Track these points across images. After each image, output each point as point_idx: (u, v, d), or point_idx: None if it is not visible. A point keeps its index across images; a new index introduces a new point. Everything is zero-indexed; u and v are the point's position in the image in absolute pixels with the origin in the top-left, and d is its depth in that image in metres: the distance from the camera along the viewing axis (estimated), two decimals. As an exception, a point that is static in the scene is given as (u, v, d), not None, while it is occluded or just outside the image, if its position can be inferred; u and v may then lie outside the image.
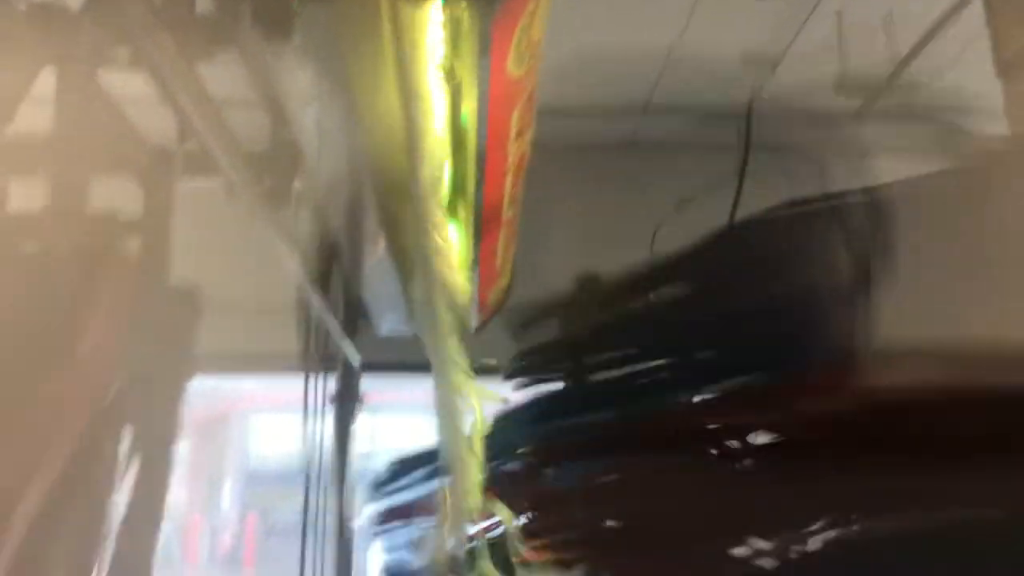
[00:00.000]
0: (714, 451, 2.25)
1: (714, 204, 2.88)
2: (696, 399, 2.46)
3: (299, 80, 2.16)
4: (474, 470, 2.18)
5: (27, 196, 1.78)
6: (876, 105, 2.74)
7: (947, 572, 1.84)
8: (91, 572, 1.82)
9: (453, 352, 2.15)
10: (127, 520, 1.99)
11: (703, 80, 3.10)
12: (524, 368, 3.17)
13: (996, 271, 1.78)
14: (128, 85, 1.97)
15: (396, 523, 3.96)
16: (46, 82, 1.79)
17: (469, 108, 2.08)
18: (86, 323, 1.73)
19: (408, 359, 2.53)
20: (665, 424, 2.45)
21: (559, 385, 3.15)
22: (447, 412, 2.12)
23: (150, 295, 2.09)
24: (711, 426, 2.29)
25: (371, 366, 4.47)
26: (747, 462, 2.17)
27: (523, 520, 2.64)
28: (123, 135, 2.09)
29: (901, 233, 1.90)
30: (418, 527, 3.68)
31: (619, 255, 2.74)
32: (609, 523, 2.44)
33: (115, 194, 1.94)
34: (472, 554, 2.49)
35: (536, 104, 2.22)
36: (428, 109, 1.92)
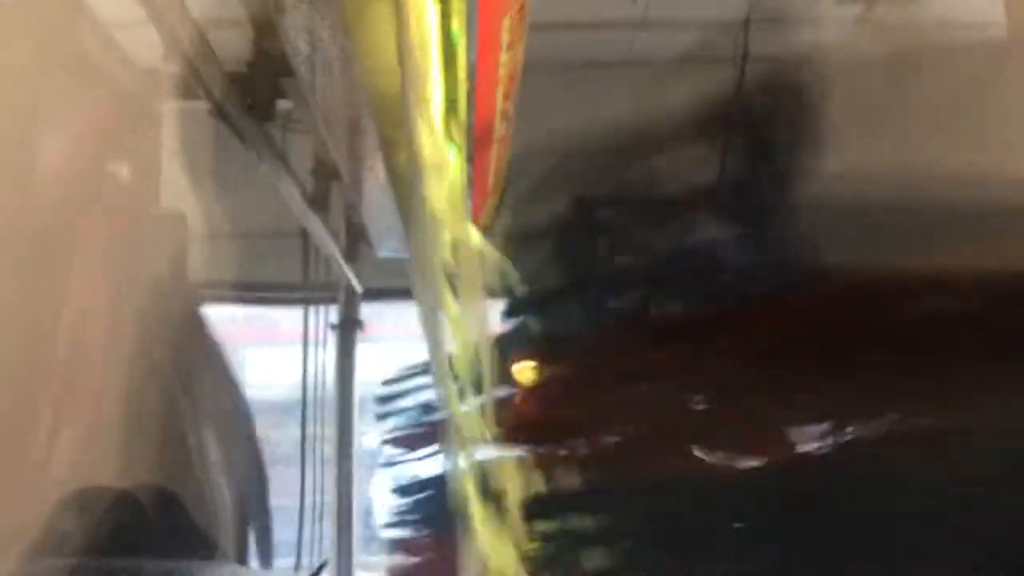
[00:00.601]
0: (705, 357, 2.26)
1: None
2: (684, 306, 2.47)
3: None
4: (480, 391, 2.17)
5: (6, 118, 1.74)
6: (876, 12, 2.69)
7: (941, 476, 1.85)
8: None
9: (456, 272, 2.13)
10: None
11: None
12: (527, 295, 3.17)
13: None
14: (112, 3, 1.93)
15: (409, 443, 3.98)
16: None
17: (459, 21, 2.03)
18: (71, 249, 1.71)
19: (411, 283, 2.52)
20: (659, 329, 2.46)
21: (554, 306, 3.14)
22: (443, 334, 2.10)
23: (140, 219, 2.07)
24: (702, 331, 2.30)
25: (374, 292, 4.45)
26: (740, 368, 2.18)
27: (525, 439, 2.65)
28: (108, 55, 2.06)
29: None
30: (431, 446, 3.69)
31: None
32: (605, 430, 2.45)
33: (101, 115, 1.91)
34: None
35: (529, 16, 2.18)
36: (419, 22, 1.87)
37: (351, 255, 4.17)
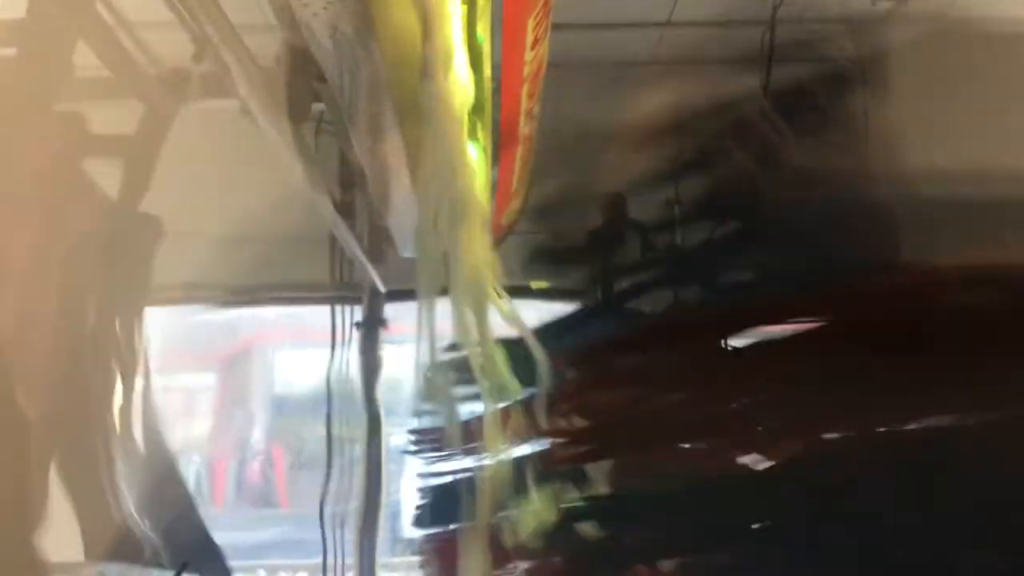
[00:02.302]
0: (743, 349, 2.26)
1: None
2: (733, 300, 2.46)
3: None
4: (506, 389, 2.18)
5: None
6: (905, 8, 2.68)
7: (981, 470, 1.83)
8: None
9: (480, 272, 2.14)
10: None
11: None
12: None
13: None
14: (142, 5, 1.95)
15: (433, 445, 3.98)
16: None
17: (484, 23, 2.04)
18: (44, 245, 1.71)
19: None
20: (697, 323, 2.46)
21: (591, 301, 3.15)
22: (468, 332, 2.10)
23: (116, 219, 2.06)
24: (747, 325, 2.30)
25: (398, 293, 4.45)
26: (782, 360, 2.17)
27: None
28: (129, 57, 2.07)
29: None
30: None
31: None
32: (637, 419, 2.45)
33: (113, 116, 1.92)
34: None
35: (553, 14, 2.18)
36: (444, 24, 1.89)
37: (375, 256, 4.17)
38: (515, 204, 3.05)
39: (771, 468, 2.08)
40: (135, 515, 1.99)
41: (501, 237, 3.25)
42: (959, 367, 1.89)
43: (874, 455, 1.99)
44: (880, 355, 1.97)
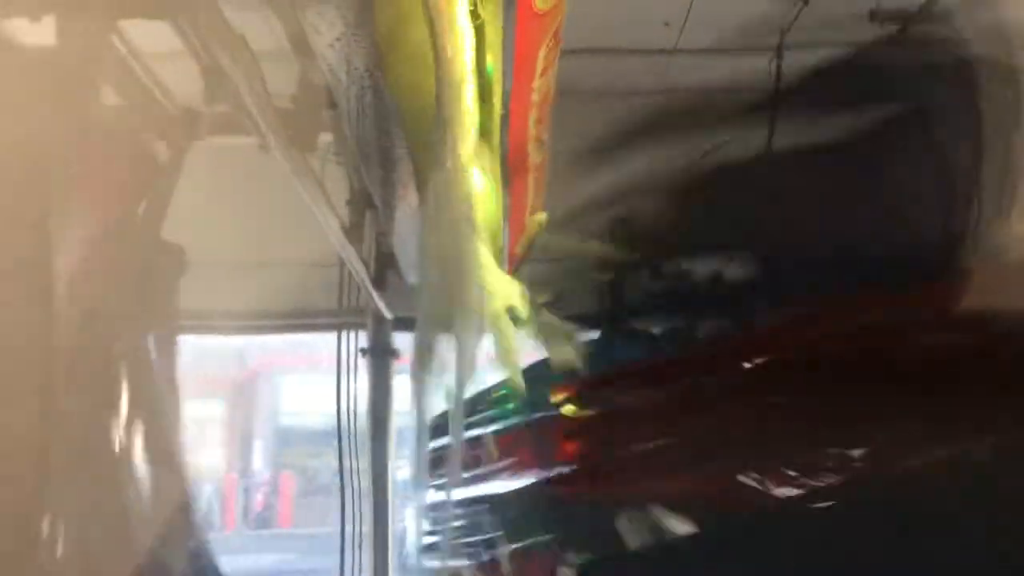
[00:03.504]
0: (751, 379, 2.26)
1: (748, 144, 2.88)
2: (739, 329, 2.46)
3: (327, 28, 2.14)
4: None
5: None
6: (910, 34, 2.69)
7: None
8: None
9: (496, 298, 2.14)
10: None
11: (733, 17, 3.04)
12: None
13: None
14: (153, 38, 1.96)
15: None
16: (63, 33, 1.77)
17: (494, 52, 2.06)
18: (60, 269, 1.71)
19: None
20: (706, 353, 2.46)
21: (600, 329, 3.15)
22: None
23: (134, 247, 2.06)
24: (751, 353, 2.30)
25: (404, 321, 4.45)
26: (788, 389, 2.17)
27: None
28: (142, 93, 2.08)
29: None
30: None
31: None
32: (650, 447, 2.45)
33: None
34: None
35: (562, 44, 2.19)
36: (455, 54, 1.90)
37: (380, 283, 4.18)
38: (530, 231, 3.05)
39: (776, 500, 2.09)
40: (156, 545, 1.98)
41: (516, 266, 3.26)
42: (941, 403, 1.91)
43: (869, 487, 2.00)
44: (872, 390, 1.98)
